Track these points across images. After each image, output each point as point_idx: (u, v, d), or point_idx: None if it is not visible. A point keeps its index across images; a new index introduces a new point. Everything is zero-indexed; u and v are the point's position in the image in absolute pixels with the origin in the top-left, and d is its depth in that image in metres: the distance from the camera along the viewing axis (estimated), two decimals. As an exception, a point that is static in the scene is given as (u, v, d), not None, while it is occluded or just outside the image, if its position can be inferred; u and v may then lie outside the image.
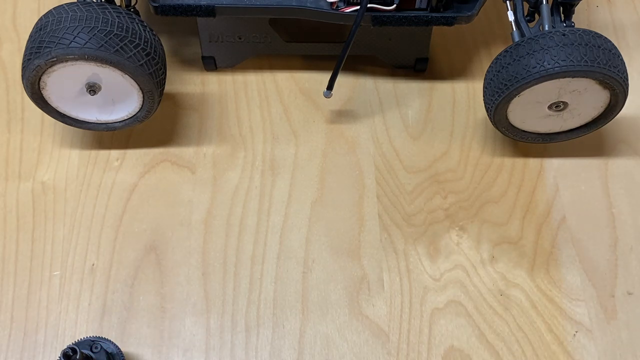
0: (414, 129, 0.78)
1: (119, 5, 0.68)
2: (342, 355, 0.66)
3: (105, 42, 0.64)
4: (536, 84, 0.66)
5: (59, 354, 0.64)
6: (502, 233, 0.72)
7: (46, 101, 0.70)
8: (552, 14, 0.69)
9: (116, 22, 0.65)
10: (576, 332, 0.67)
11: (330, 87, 0.73)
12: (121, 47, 0.65)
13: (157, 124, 0.77)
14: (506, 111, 0.70)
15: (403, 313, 0.68)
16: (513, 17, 0.70)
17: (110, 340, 0.62)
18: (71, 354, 0.58)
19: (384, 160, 0.76)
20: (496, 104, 0.68)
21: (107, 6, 0.66)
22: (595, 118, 0.72)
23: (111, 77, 0.67)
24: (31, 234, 0.71)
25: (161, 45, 0.70)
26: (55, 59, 0.64)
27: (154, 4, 0.71)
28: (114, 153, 0.76)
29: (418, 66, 0.81)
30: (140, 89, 0.69)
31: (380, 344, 0.66)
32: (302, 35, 0.81)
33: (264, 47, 0.79)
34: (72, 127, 0.75)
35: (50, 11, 0.66)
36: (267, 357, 0.66)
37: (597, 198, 0.74)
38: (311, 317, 0.67)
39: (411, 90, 0.81)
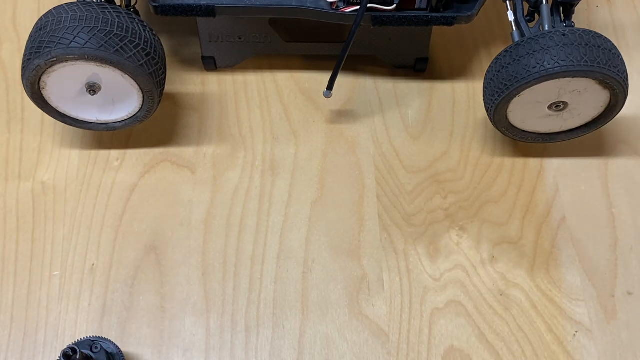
0: (414, 129, 0.78)
1: (119, 5, 0.68)
2: (342, 355, 0.66)
3: (105, 42, 0.64)
4: (536, 84, 0.66)
5: (59, 354, 0.64)
6: (502, 233, 0.72)
7: (46, 101, 0.70)
8: (552, 14, 0.69)
9: (116, 22, 0.65)
10: (576, 332, 0.67)
11: (330, 87, 0.73)
12: (121, 47, 0.65)
13: (157, 124, 0.77)
14: (506, 111, 0.70)
15: (403, 313, 0.68)
16: (513, 17, 0.70)
17: (110, 340, 0.62)
18: (71, 354, 0.58)
19: (384, 160, 0.76)
20: (496, 104, 0.68)
21: (107, 6, 0.66)
22: (595, 118, 0.72)
23: (111, 77, 0.67)
24: (31, 234, 0.71)
25: (161, 45, 0.70)
26: (55, 59, 0.64)
27: (154, 4, 0.71)
28: (114, 153, 0.76)
29: (418, 66, 0.81)
30: (140, 89, 0.69)
31: (380, 344, 0.66)
32: (302, 35, 0.81)
33: (264, 47, 0.79)
34: (72, 127, 0.75)
35: (50, 11, 0.66)
36: (267, 357, 0.66)
37: (597, 198, 0.74)
38: (311, 317, 0.67)
39: (411, 90, 0.81)
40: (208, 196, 0.74)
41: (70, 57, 0.64)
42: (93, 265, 0.70)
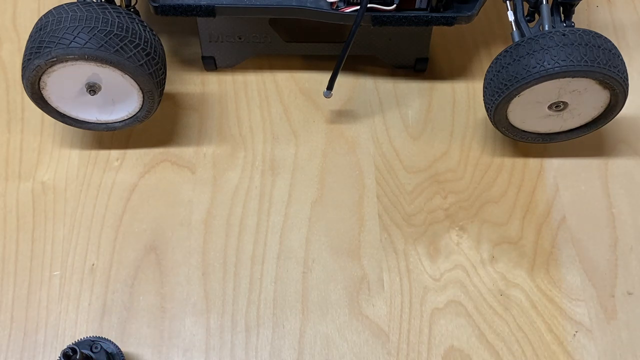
0: (414, 129, 0.78)
1: (119, 5, 0.68)
2: (342, 355, 0.66)
3: (105, 42, 0.64)
4: (536, 84, 0.66)
5: (59, 354, 0.64)
6: (502, 233, 0.72)
7: (46, 101, 0.70)
8: (552, 14, 0.69)
9: (116, 22, 0.65)
10: (576, 332, 0.67)
11: (330, 87, 0.73)
12: (121, 47, 0.65)
13: (157, 124, 0.77)
14: (506, 111, 0.70)
15: (403, 313, 0.68)
16: (513, 17, 0.70)
17: (110, 340, 0.62)
18: (71, 354, 0.58)
19: (384, 160, 0.76)
20: (496, 104, 0.68)
21: (107, 6, 0.66)
22: (595, 118, 0.72)
23: (111, 77, 0.67)
24: (31, 234, 0.71)
25: (161, 45, 0.70)
26: (55, 59, 0.64)
27: (154, 4, 0.71)
28: (114, 153, 0.76)
29: (418, 66, 0.81)
30: (140, 89, 0.69)
31: (380, 344, 0.66)
32: (302, 35, 0.81)
33: (264, 47, 0.79)
34: (72, 127, 0.75)
35: (50, 11, 0.66)
36: (267, 357, 0.66)
37: (597, 198, 0.74)
38: (311, 317, 0.67)
39: (411, 90, 0.81)
40: (208, 196, 0.74)
41: (70, 57, 0.64)
42: (93, 265, 0.70)
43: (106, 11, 0.65)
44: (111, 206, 0.73)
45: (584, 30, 0.66)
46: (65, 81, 0.68)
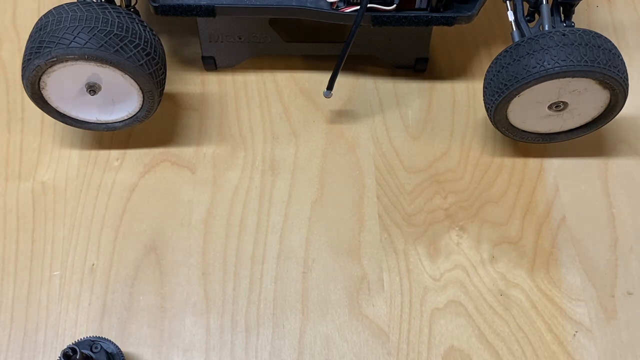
0: (414, 129, 0.78)
1: (119, 5, 0.68)
2: (342, 355, 0.66)
3: (105, 42, 0.64)
4: (536, 84, 0.66)
5: (59, 354, 0.64)
6: (502, 233, 0.72)
7: (46, 101, 0.70)
8: (552, 14, 0.69)
9: (116, 22, 0.65)
10: (576, 332, 0.67)
11: (330, 87, 0.73)
12: (121, 47, 0.65)
13: (157, 124, 0.77)
14: (506, 111, 0.70)
15: (403, 313, 0.68)
16: (513, 17, 0.70)
17: (110, 340, 0.62)
18: (71, 354, 0.58)
19: (384, 160, 0.76)
20: (496, 104, 0.68)
21: (107, 6, 0.66)
22: (595, 118, 0.72)
23: (111, 77, 0.67)
24: (31, 234, 0.71)
25: (161, 45, 0.70)
26: (55, 59, 0.64)
27: (154, 4, 0.71)
28: (114, 153, 0.76)
29: (418, 66, 0.81)
30: (140, 89, 0.69)
31: (380, 344, 0.66)
32: (302, 35, 0.81)
33: (264, 47, 0.79)
34: (72, 127, 0.75)
35: (50, 11, 0.66)
36: (267, 357, 0.66)
37: (597, 198, 0.74)
38: (311, 317, 0.67)
39: (411, 90, 0.81)
40: (208, 196, 0.74)
41: (70, 57, 0.64)
42: (93, 265, 0.70)
43: (106, 11, 0.65)
44: (111, 206, 0.73)
45: (584, 30, 0.66)
46: (65, 81, 0.68)
